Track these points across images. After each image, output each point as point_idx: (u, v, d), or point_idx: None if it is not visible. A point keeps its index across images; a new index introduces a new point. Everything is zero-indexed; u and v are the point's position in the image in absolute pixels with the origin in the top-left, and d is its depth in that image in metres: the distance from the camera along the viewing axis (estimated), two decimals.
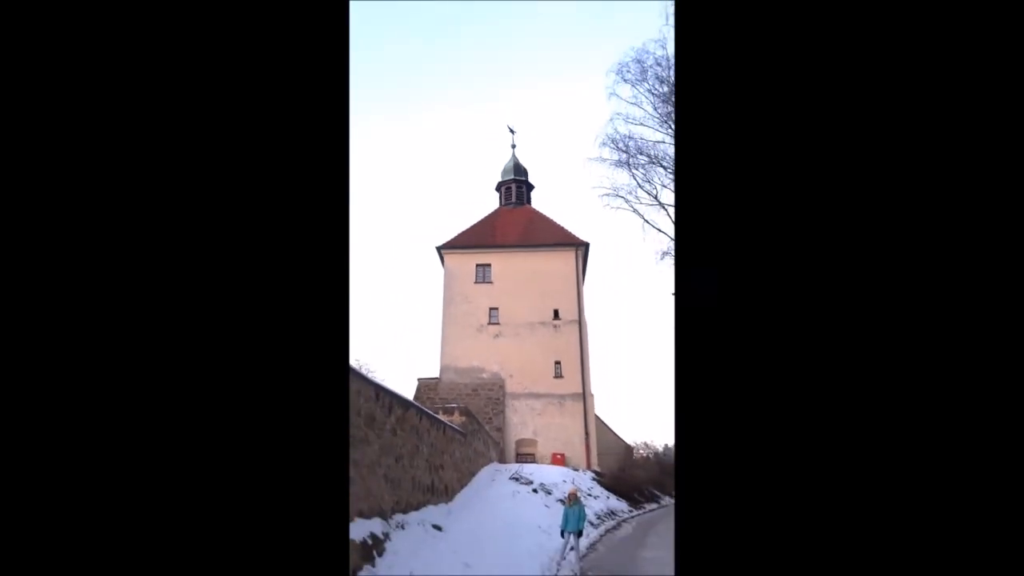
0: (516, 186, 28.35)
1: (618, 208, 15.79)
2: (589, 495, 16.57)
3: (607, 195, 15.80)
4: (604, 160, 15.75)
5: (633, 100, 15.15)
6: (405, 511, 9.32)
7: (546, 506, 14.18)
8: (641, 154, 15.35)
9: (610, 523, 15.10)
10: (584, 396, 22.85)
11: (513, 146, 29.12)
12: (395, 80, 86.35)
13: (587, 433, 22.45)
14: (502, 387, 22.87)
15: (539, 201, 31.52)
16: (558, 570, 8.99)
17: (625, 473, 22.14)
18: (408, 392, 21.36)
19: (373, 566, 7.24)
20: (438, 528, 9.99)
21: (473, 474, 15.54)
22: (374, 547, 7.51)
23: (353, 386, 7.54)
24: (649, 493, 21.84)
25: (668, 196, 15.14)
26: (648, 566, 9.58)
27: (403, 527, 8.82)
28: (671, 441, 35.91)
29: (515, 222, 26.57)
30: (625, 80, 15.04)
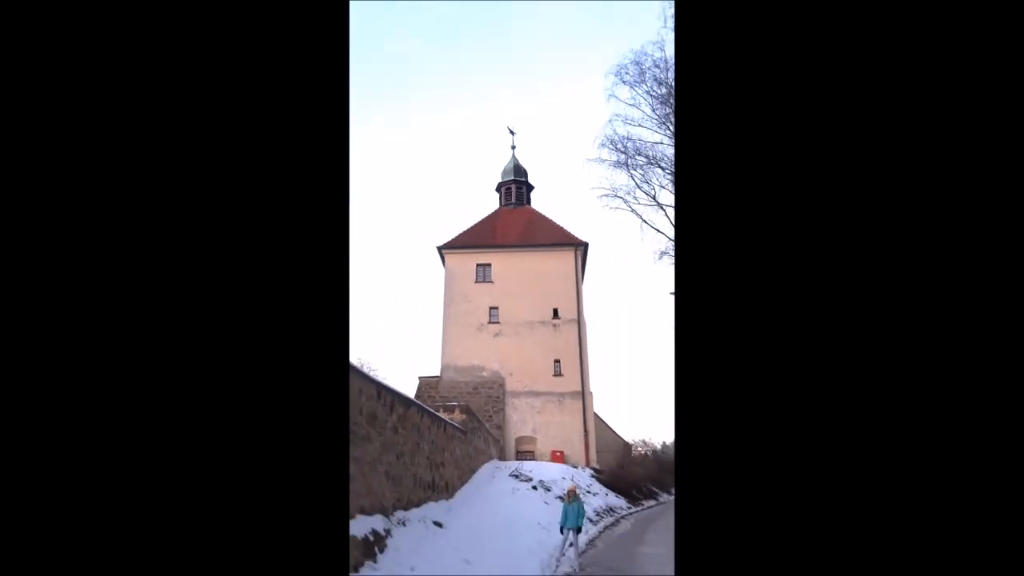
0: (516, 187, 28.35)
1: (617, 208, 15.81)
2: (588, 492, 16.57)
3: (606, 195, 15.82)
4: (603, 161, 15.75)
5: (631, 102, 15.16)
6: (406, 508, 9.32)
7: (545, 503, 14.18)
8: (639, 155, 15.35)
9: (609, 520, 15.10)
10: (583, 394, 22.85)
11: (513, 147, 29.13)
12: (395, 81, 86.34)
13: (586, 431, 22.45)
14: (502, 385, 22.87)
15: (539, 201, 31.54)
16: (557, 566, 8.98)
17: (623, 470, 22.16)
18: (409, 390, 21.37)
19: (375, 562, 7.24)
20: (439, 525, 9.99)
21: (473, 471, 15.54)
22: (376, 543, 7.50)
23: (355, 384, 7.53)
24: (647, 490, 21.85)
25: (666, 196, 15.14)
26: (646, 562, 9.57)
27: (404, 524, 8.81)
28: (669, 438, 35.97)
29: (515, 222, 26.57)
30: (624, 82, 15.05)
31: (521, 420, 22.62)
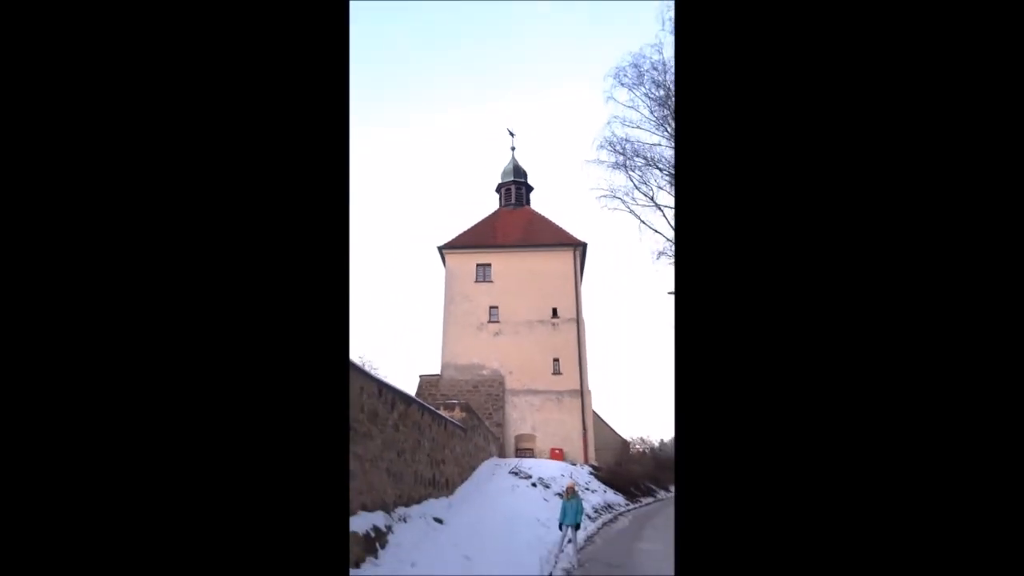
0: (516, 187, 28.34)
1: (615, 209, 15.81)
2: (587, 489, 16.56)
3: (604, 196, 15.82)
4: (602, 162, 15.76)
5: (630, 104, 15.16)
6: (407, 504, 9.31)
7: (545, 500, 14.18)
8: (638, 156, 15.35)
9: (607, 516, 15.09)
10: (582, 392, 22.85)
11: (513, 148, 29.12)
12: (395, 81, 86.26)
13: (585, 428, 22.45)
14: (502, 384, 22.86)
15: (538, 202, 31.53)
16: (556, 562, 8.97)
17: (622, 468, 22.14)
18: (410, 388, 21.36)
19: (376, 558, 7.23)
20: (439, 521, 9.99)
21: (473, 468, 15.53)
22: (377, 539, 7.49)
23: (357, 382, 7.52)
24: (645, 487, 21.84)
25: (664, 197, 15.15)
26: (644, 558, 9.56)
27: (405, 520, 8.81)
28: (667, 436, 35.96)
29: (515, 223, 26.56)
30: (622, 84, 15.05)
31: (520, 418, 22.61)
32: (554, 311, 23.70)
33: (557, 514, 10.06)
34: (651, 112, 14.85)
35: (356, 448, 7.33)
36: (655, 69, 14.52)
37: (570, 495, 9.63)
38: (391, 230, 77.75)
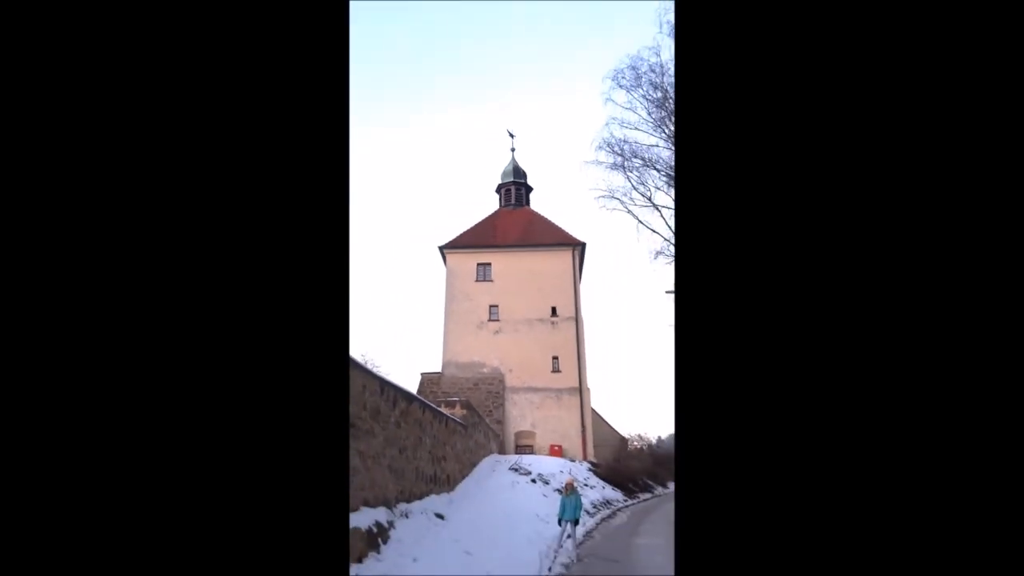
0: (515, 188, 28.32)
1: (613, 209, 15.79)
2: (585, 485, 16.56)
3: (603, 197, 15.80)
4: (600, 163, 15.73)
5: (628, 105, 15.13)
6: (409, 500, 9.31)
7: (544, 496, 14.18)
8: (636, 157, 15.33)
9: (605, 512, 15.10)
10: (580, 390, 22.85)
11: (512, 149, 29.10)
12: (395, 81, 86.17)
13: (583, 425, 22.45)
14: (502, 381, 22.86)
15: (538, 202, 31.50)
16: (555, 557, 8.97)
17: (620, 464, 22.14)
18: (411, 386, 21.37)
19: (378, 553, 7.23)
20: (440, 517, 9.98)
21: (474, 465, 15.53)
22: (379, 535, 7.49)
23: (359, 380, 7.51)
24: (643, 483, 21.85)
25: (661, 198, 15.14)
26: (642, 553, 9.56)
27: (407, 516, 8.81)
28: (664, 433, 35.94)
29: (514, 223, 26.55)
30: (620, 86, 15.02)
31: (520, 415, 22.61)
32: (553, 310, 23.69)
33: (556, 510, 10.06)
34: (649, 114, 14.84)
35: (358, 445, 7.33)
36: (653, 71, 14.51)
37: (569, 491, 9.62)
38: (392, 230, 77.74)
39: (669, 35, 13.75)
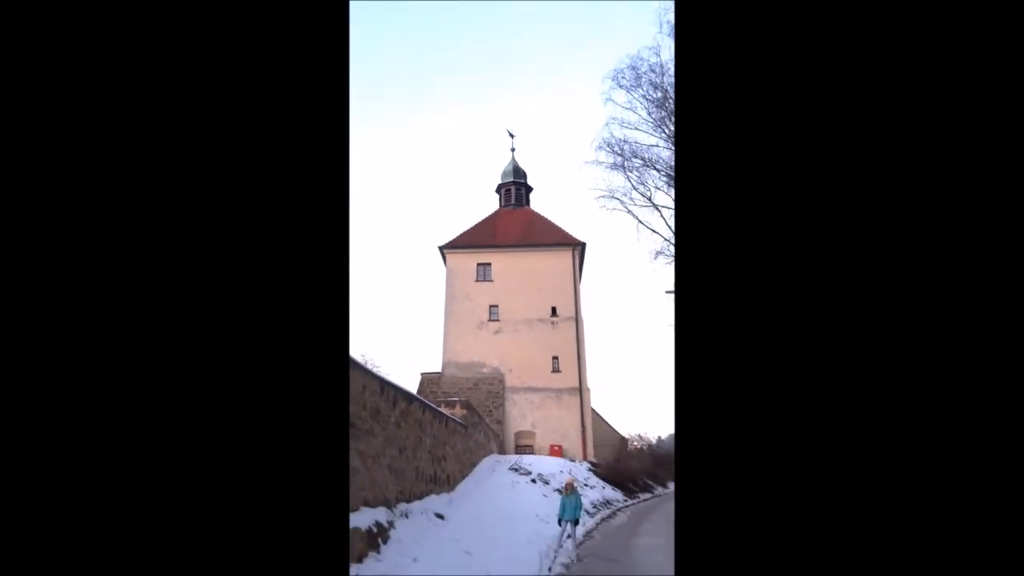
0: (515, 188, 28.32)
1: (613, 209, 15.79)
2: (585, 485, 16.55)
3: (603, 197, 15.80)
4: (600, 163, 15.73)
5: (628, 105, 15.13)
6: (409, 500, 9.30)
7: (544, 496, 14.17)
8: (635, 157, 15.33)
9: (605, 512, 15.08)
10: (580, 390, 22.83)
11: (512, 149, 29.10)
12: (395, 81, 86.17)
13: (583, 425, 22.44)
14: (502, 381, 22.85)
15: (537, 202, 31.49)
16: (555, 557, 8.96)
17: (620, 464, 22.14)
18: (412, 386, 21.36)
19: (378, 553, 7.22)
20: (440, 517, 9.97)
21: (474, 465, 15.52)
22: (379, 535, 7.48)
23: (359, 380, 7.50)
24: (643, 483, 21.84)
25: (661, 198, 15.13)
26: (642, 553, 9.55)
27: (407, 516, 8.79)
28: (664, 433, 35.94)
29: (514, 223, 26.54)
30: (620, 86, 15.01)
31: (520, 415, 22.60)
32: (553, 310, 23.69)
33: (556, 510, 10.05)
34: (649, 114, 14.84)
35: (359, 445, 7.32)
36: (652, 71, 14.50)
37: (569, 491, 9.61)
38: (392, 230, 77.75)
39: (669, 35, 13.75)
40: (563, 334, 23.41)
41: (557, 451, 21.07)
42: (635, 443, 32.23)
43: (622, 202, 15.56)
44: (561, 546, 9.28)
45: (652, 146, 15.01)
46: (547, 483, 15.38)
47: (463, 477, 13.92)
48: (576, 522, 9.48)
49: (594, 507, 14.93)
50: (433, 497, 10.62)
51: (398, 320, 60.11)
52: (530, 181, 28.93)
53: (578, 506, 9.44)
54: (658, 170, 14.90)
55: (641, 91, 14.82)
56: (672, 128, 13.90)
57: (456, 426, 13.57)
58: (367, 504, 7.56)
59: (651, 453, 29.40)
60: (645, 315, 63.09)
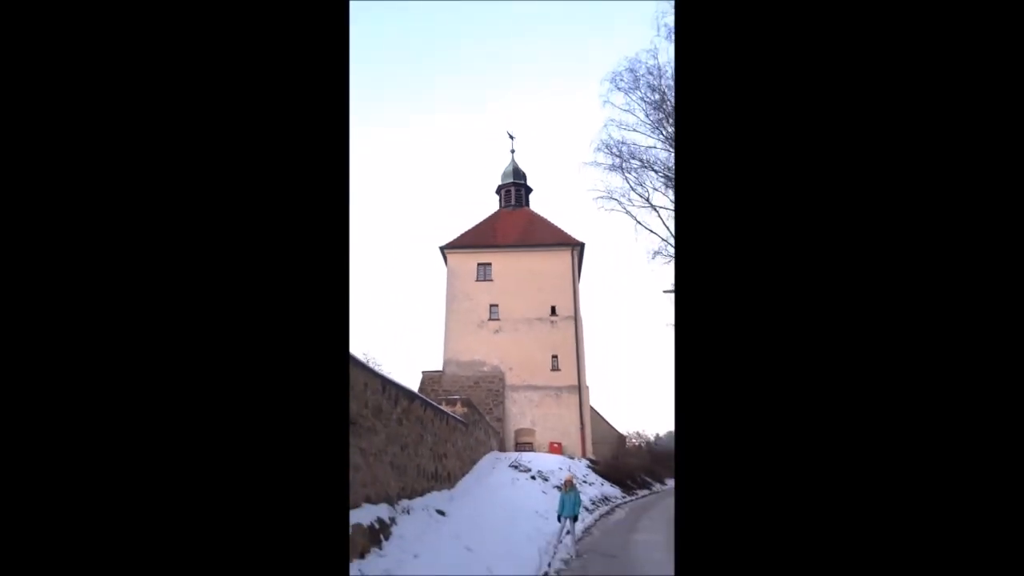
0: (515, 189, 28.31)
1: (612, 210, 15.80)
2: (584, 482, 16.56)
3: (601, 197, 15.81)
4: (599, 164, 15.74)
5: (626, 107, 15.13)
6: (410, 497, 9.29)
7: (543, 492, 14.17)
8: (634, 158, 15.33)
9: (604, 508, 15.08)
10: (579, 388, 22.84)
11: (512, 151, 29.09)
12: (395, 81, 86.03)
13: (582, 423, 22.44)
14: (502, 380, 22.85)
15: (537, 203, 31.47)
16: (555, 553, 8.96)
17: (618, 461, 22.16)
18: (413, 384, 21.36)
19: (380, 549, 7.22)
20: (441, 513, 9.97)
21: (474, 462, 15.52)
22: (381, 531, 7.48)
23: (361, 379, 7.50)
24: (641, 480, 21.86)
25: (659, 198, 15.14)
26: (640, 548, 9.55)
27: (408, 512, 8.79)
28: (662, 430, 35.98)
29: (514, 223, 26.54)
30: (618, 88, 15.02)
31: (520, 413, 22.60)
32: (553, 309, 23.69)
33: (556, 506, 10.05)
34: (647, 115, 14.84)
35: (360, 442, 7.31)
36: (651, 73, 14.50)
37: (568, 488, 9.61)
38: (393, 230, 77.68)
39: (667, 38, 13.75)
40: (562, 333, 23.41)
41: (556, 448, 21.08)
42: (633, 440, 32.26)
43: (620, 203, 15.58)
44: (560, 542, 9.28)
45: (650, 147, 15.03)
46: (546, 480, 15.38)
47: (464, 474, 13.92)
48: (575, 518, 9.47)
49: (593, 503, 14.93)
50: (434, 494, 10.62)
51: (400, 319, 60.13)
52: (530, 182, 28.94)
53: (577, 502, 9.44)
54: (656, 171, 14.92)
55: (639, 93, 14.84)
56: (670, 130, 13.89)
57: (457, 424, 13.57)
58: (369, 501, 7.55)
59: (649, 450, 29.43)
60: (643, 314, 63.16)
